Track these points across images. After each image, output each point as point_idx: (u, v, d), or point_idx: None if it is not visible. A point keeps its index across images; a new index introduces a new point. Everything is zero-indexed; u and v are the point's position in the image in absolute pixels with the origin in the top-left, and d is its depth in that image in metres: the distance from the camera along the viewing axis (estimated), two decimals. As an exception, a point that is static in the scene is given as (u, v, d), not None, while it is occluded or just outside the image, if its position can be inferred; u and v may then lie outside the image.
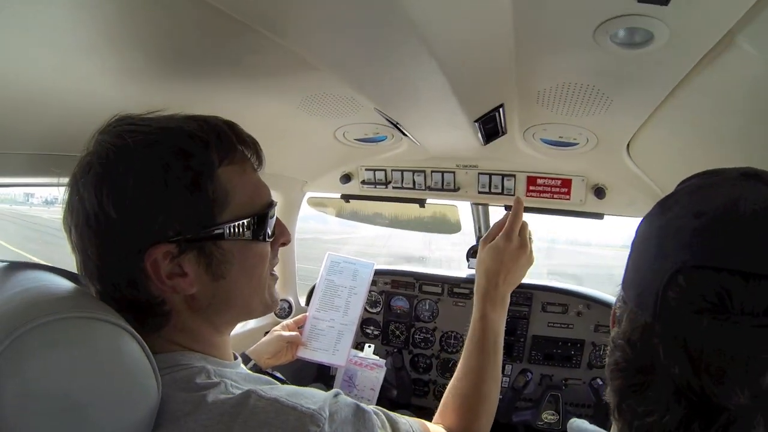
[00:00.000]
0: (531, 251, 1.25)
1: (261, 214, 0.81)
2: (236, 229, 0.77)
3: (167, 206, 0.71)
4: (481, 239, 1.29)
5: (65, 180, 0.76)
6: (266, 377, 0.87)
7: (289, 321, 1.75)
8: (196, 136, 0.75)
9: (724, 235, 0.50)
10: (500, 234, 1.23)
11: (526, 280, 2.14)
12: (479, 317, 1.18)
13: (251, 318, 0.91)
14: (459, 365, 1.17)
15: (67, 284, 0.72)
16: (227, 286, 0.79)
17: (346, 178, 1.97)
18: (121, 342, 0.64)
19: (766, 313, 0.46)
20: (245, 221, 0.78)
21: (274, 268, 0.92)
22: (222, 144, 0.77)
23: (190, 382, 0.73)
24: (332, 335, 1.75)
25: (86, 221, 0.71)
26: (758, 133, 0.94)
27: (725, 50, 0.73)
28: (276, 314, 2.25)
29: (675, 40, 0.70)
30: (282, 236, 0.89)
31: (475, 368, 1.14)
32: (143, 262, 0.71)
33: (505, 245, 1.21)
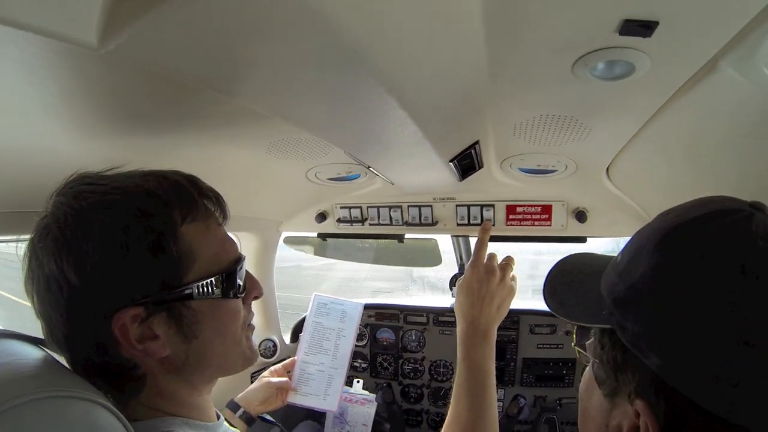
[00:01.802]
0: (506, 279, 1.22)
1: (229, 271, 0.78)
2: (205, 288, 0.74)
3: (130, 269, 0.68)
4: (450, 283, 1.27)
5: (25, 236, 0.73)
6: None
7: (278, 366, 1.71)
8: (155, 194, 0.72)
9: None
10: (467, 265, 1.22)
11: (511, 304, 2.12)
12: (462, 359, 1.14)
13: (231, 374, 0.86)
14: (449, 410, 1.12)
15: (36, 357, 0.68)
16: (201, 346, 0.76)
17: (322, 216, 1.93)
18: (96, 417, 0.61)
19: None
20: (213, 279, 0.76)
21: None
22: (183, 201, 0.74)
23: None
24: (322, 379, 1.71)
25: (47, 288, 0.68)
26: (738, 153, 0.92)
27: (707, 75, 0.70)
28: (261, 354, 2.19)
29: (656, 69, 0.68)
30: (254, 290, 0.87)
31: (464, 413, 1.08)
32: (111, 327, 0.68)
33: (472, 273, 1.20)
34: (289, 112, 0.79)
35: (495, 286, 1.19)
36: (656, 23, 0.55)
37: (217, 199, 0.81)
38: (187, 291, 0.72)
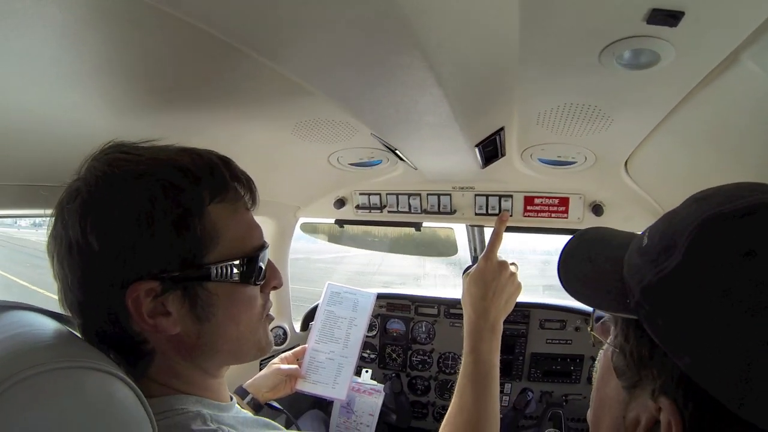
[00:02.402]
0: (516, 275, 1.22)
1: (251, 257, 0.78)
2: (223, 271, 0.73)
3: (151, 242, 0.68)
4: (463, 274, 1.26)
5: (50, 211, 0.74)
6: (264, 420, 0.85)
7: (288, 353, 1.72)
8: (187, 170, 0.72)
9: None
10: (480, 256, 1.22)
11: (522, 298, 2.13)
12: (469, 351, 1.13)
13: (242, 362, 0.85)
14: (453, 401, 1.12)
15: (54, 328, 0.69)
16: (213, 329, 0.75)
17: (340, 202, 1.95)
18: (112, 389, 0.61)
19: None
20: (234, 263, 0.75)
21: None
22: (215, 180, 0.74)
23: (185, 428, 0.70)
24: (332, 368, 1.72)
25: (68, 250, 0.68)
26: (758, 149, 0.94)
27: (729, 68, 0.73)
28: (271, 341, 2.20)
29: (680, 59, 0.70)
30: (273, 280, 0.85)
31: (468, 404, 1.08)
32: (124, 297, 0.68)
33: (486, 265, 1.19)
34: (327, 81, 0.79)
35: (506, 280, 1.19)
36: (682, 13, 0.58)
37: (249, 184, 0.81)
38: (205, 271, 0.72)
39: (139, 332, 0.72)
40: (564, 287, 0.69)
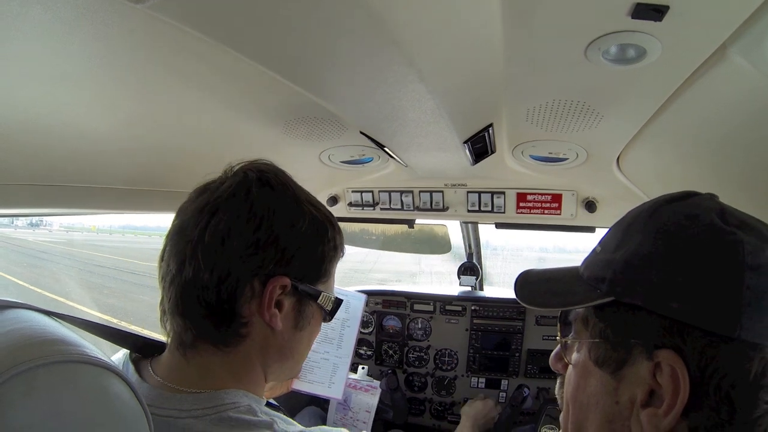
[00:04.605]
0: None
1: (338, 302, 0.92)
2: (324, 300, 0.87)
3: (309, 254, 0.83)
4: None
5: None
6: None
7: None
8: (333, 221, 0.89)
9: None
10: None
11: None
12: None
13: (287, 377, 0.97)
14: None
15: (49, 325, 0.69)
16: (297, 339, 0.88)
17: (333, 200, 1.95)
18: (107, 383, 0.61)
19: None
20: (331, 299, 0.89)
21: None
22: (341, 237, 0.91)
23: (239, 421, 0.74)
24: (327, 368, 1.74)
25: (255, 231, 0.78)
26: (748, 143, 0.93)
27: (717, 63, 0.72)
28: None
29: (667, 54, 0.69)
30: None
31: None
32: (266, 282, 0.78)
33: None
34: (311, 81, 0.81)
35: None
36: (667, 7, 0.57)
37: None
38: (316, 294, 0.86)
39: (245, 315, 0.79)
40: (531, 303, 0.81)
